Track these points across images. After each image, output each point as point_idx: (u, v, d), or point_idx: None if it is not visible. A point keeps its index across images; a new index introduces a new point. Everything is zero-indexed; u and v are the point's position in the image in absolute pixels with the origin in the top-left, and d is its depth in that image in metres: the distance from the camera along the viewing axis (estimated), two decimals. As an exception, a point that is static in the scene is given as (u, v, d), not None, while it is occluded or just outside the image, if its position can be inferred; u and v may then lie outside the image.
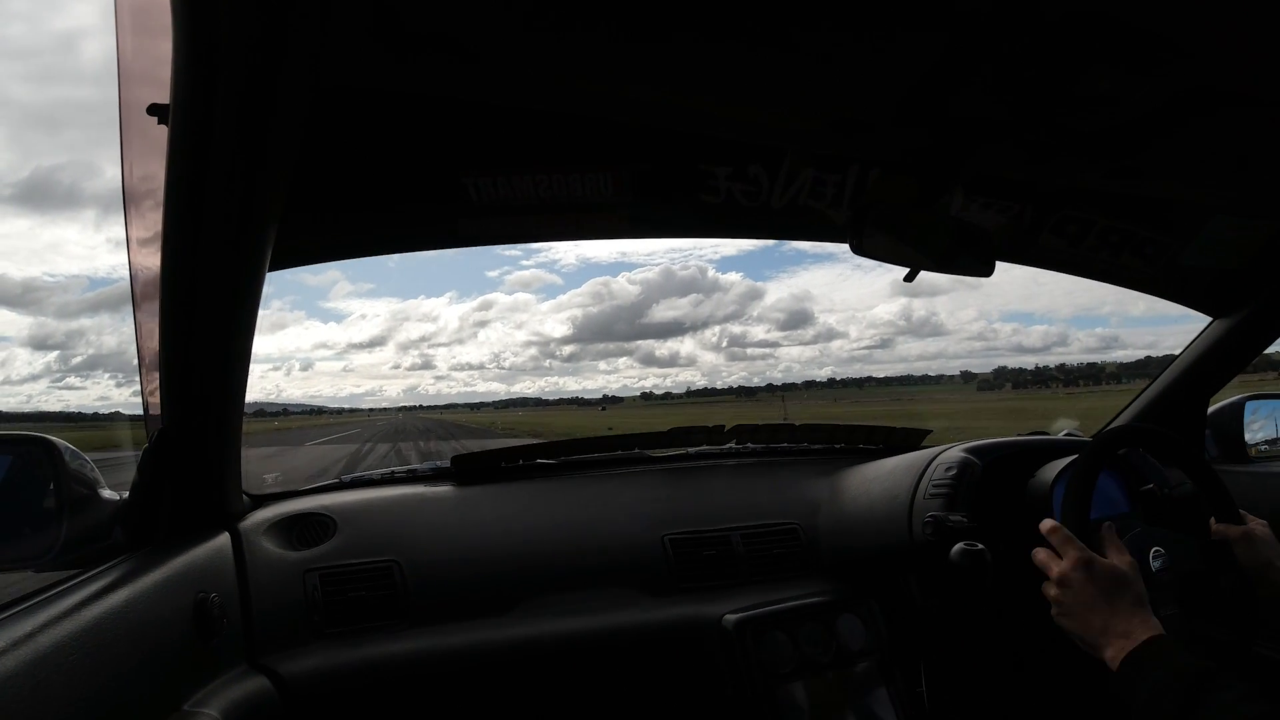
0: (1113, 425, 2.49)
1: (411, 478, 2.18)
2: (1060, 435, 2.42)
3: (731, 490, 2.23)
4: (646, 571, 1.89)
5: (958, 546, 1.61)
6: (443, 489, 2.08)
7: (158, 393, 1.35)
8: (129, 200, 1.21)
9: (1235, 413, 2.45)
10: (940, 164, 1.59)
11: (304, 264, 1.66)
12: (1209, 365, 2.35)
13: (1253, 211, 1.96)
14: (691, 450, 2.46)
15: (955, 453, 1.88)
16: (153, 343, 1.28)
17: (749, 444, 2.51)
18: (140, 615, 1.15)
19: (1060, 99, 1.34)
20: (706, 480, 2.31)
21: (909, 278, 1.66)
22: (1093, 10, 1.07)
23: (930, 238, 1.61)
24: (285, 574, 1.66)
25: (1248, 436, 2.44)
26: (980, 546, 1.60)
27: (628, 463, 2.35)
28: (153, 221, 1.13)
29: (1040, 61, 1.22)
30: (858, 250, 1.54)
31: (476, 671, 1.66)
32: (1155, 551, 1.45)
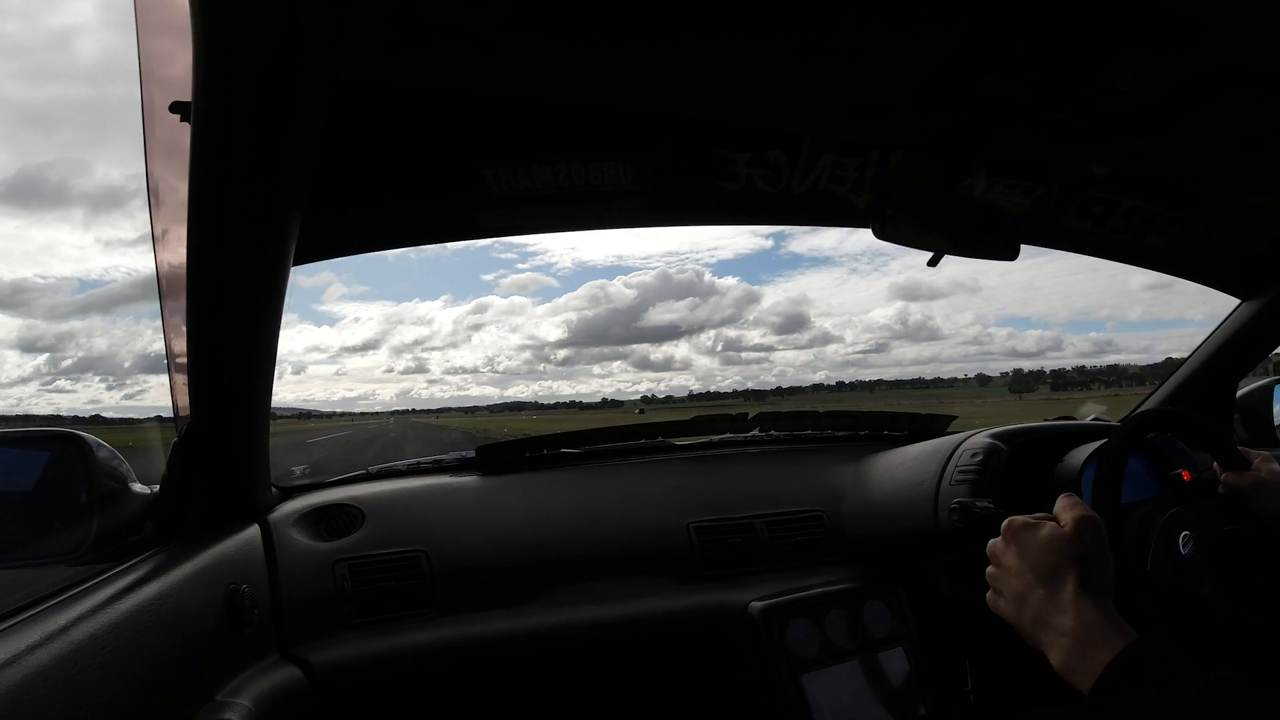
0: (1142, 409, 2.46)
1: (437, 468, 2.19)
2: (1088, 420, 2.40)
3: (756, 477, 2.23)
4: (671, 559, 1.90)
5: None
6: (468, 479, 2.09)
7: (185, 389, 1.37)
8: (154, 200, 1.21)
9: (1265, 396, 2.43)
10: (962, 146, 1.57)
11: (327, 258, 1.67)
12: (1237, 348, 2.32)
13: None
14: (715, 438, 2.47)
15: (981, 438, 1.86)
16: (180, 339, 1.29)
17: (773, 431, 2.50)
18: (172, 607, 1.16)
19: (1084, 79, 1.32)
20: (731, 468, 2.31)
21: (933, 262, 1.64)
22: None
23: (953, 221, 1.60)
24: (314, 565, 1.68)
25: (1277, 420, 2.41)
26: None
27: (651, 451, 2.35)
28: (178, 220, 1.13)
29: (1063, 41, 1.20)
30: (880, 235, 1.53)
31: (503, 660, 1.67)
32: (1184, 536, 1.43)
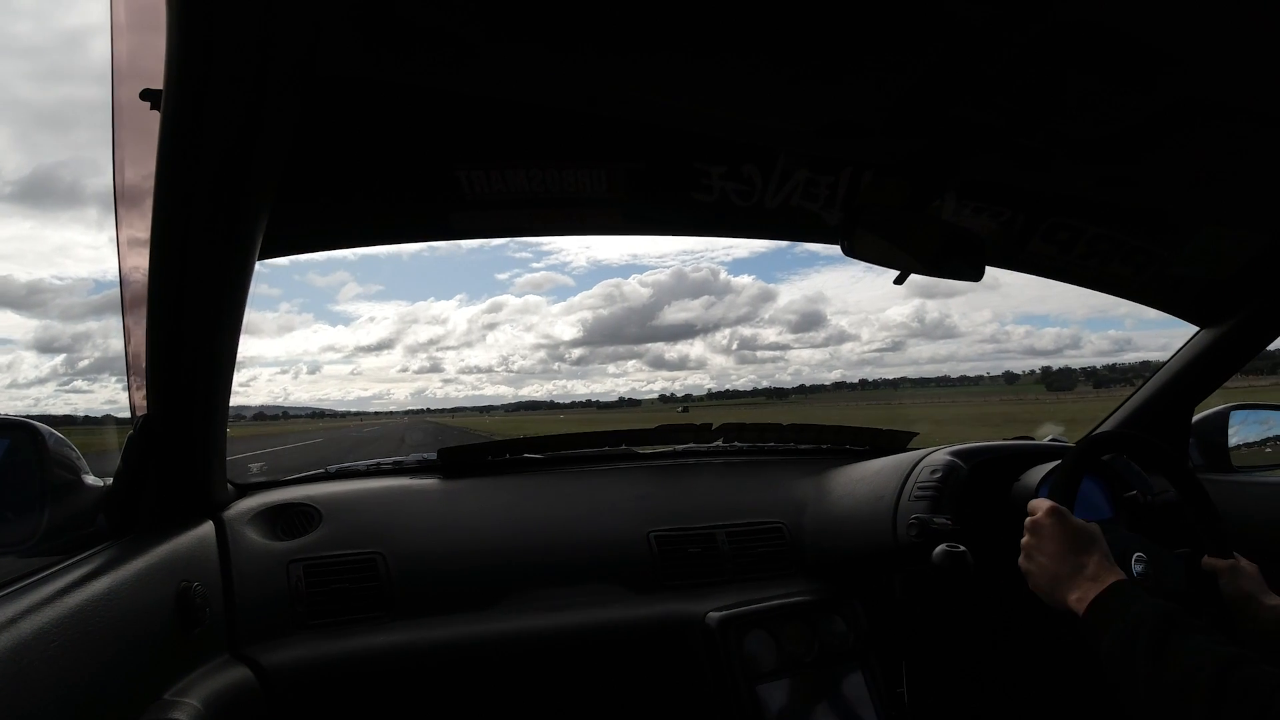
0: (1097, 431, 2.50)
1: (398, 469, 2.18)
2: (1045, 440, 2.43)
3: (718, 488, 2.23)
4: (631, 568, 1.90)
5: (940, 548, 1.62)
6: (429, 482, 2.08)
7: (144, 386, 1.35)
8: (120, 198, 1.20)
9: (1220, 422, 2.46)
10: (933, 168, 1.59)
11: (294, 253, 1.65)
12: (1195, 374, 2.36)
13: (1242, 222, 1.97)
14: (679, 448, 2.47)
15: (941, 455, 1.88)
16: (139, 331, 1.27)
17: (736, 442, 2.51)
18: (123, 603, 1.15)
19: (1053, 107, 1.35)
20: (693, 478, 2.31)
21: (899, 280, 1.66)
22: (1086, 19, 1.08)
23: (921, 241, 1.62)
24: (269, 564, 1.66)
25: (1232, 445, 2.45)
26: (962, 549, 1.61)
27: (615, 459, 2.35)
28: (142, 221, 1.12)
29: (1033, 69, 1.22)
30: (849, 252, 1.55)
31: (459, 665, 1.66)
32: (1137, 557, 1.45)
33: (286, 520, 1.78)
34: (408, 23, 1.13)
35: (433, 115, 1.47)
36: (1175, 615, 1.09)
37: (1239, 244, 2.06)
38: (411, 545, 1.79)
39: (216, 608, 1.49)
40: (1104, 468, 1.81)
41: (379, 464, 2.21)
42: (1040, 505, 1.39)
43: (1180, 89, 1.27)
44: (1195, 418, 2.46)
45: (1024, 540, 1.38)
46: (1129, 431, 2.31)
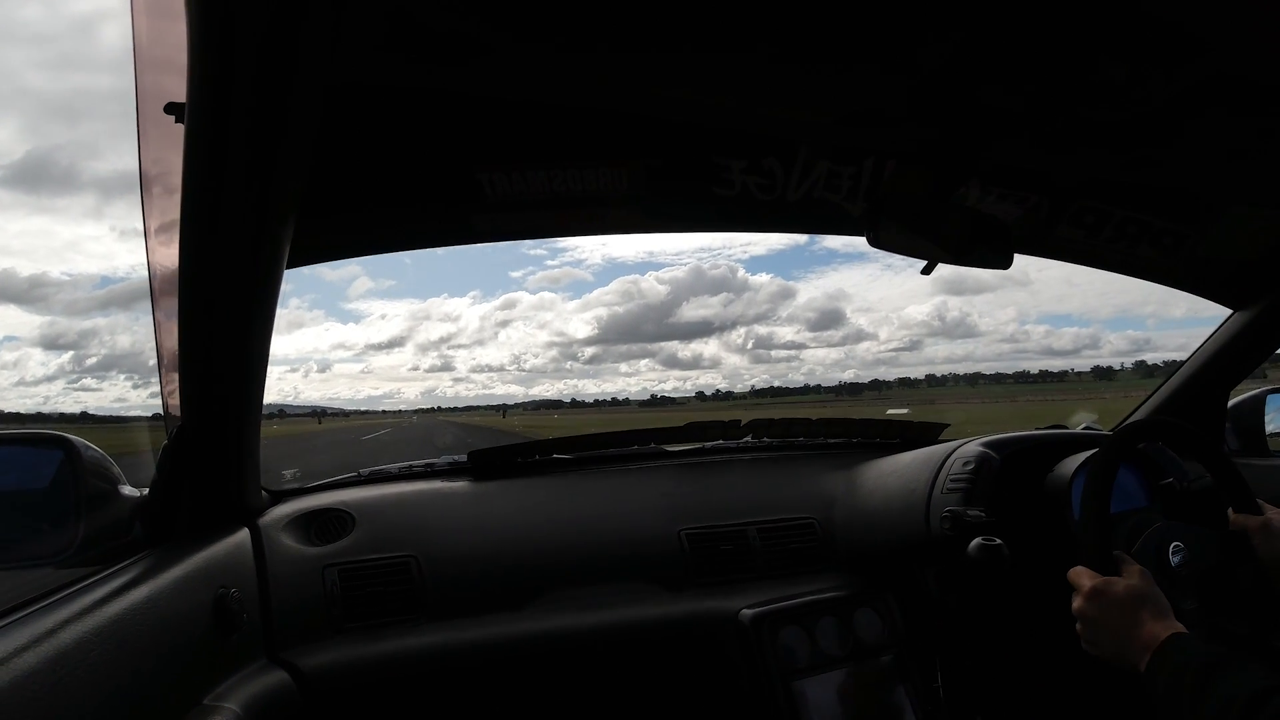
0: (1132, 419, 2.47)
1: (429, 473, 2.18)
2: (1078, 429, 2.41)
3: (748, 484, 2.22)
4: (663, 566, 1.89)
5: (975, 541, 1.60)
6: (460, 484, 2.09)
7: (176, 391, 1.36)
8: (146, 194, 1.21)
9: (1256, 406, 2.42)
10: (956, 156, 1.58)
11: (320, 261, 1.66)
12: (1229, 358, 2.33)
13: (1272, 201, 1.94)
14: (707, 445, 2.46)
15: (973, 447, 1.87)
16: (171, 340, 1.28)
17: (765, 438, 2.50)
18: (161, 611, 1.16)
19: (1077, 90, 1.33)
20: (723, 474, 2.30)
21: (927, 270, 1.65)
22: (1110, 0, 1.07)
23: (947, 230, 1.60)
24: (304, 569, 1.67)
25: (1269, 430, 2.41)
26: (998, 542, 1.59)
27: (643, 457, 2.34)
28: (171, 217, 1.13)
29: (1057, 53, 1.21)
30: (874, 243, 1.54)
31: (494, 666, 1.67)
32: (1175, 547, 1.43)
33: (320, 525, 1.80)
34: (426, 27, 1.13)
35: (452, 119, 1.47)
36: (1220, 657, 1.11)
37: (1269, 223, 2.03)
38: (444, 547, 1.80)
39: (253, 613, 1.50)
40: (1140, 456, 1.79)
41: (410, 467, 2.22)
42: (1080, 583, 1.34)
43: (1204, 68, 1.25)
44: (1231, 402, 2.43)
45: (1078, 626, 1.34)
46: (1164, 419, 2.28)
